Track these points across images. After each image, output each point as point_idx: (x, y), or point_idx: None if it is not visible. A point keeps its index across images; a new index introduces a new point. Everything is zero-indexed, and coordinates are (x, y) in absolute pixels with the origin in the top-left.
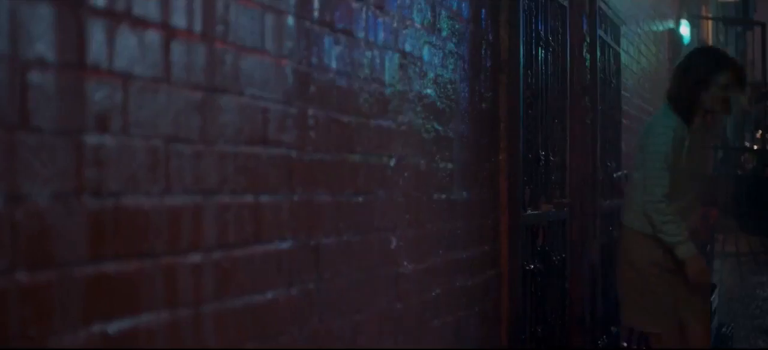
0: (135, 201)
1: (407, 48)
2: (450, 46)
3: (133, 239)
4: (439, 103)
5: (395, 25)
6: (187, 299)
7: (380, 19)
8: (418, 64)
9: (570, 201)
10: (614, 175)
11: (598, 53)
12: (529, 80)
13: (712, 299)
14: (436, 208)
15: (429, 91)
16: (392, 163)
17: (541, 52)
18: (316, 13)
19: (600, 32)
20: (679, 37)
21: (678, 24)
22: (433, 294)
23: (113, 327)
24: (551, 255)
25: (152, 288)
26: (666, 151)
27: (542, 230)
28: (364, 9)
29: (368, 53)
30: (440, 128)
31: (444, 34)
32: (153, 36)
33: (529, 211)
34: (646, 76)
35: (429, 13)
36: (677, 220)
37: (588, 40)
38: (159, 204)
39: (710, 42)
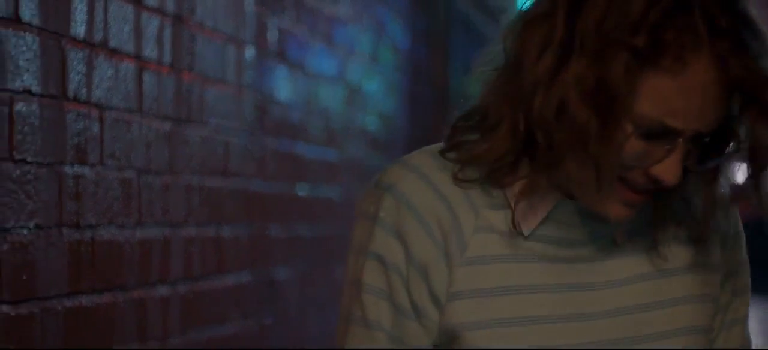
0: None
1: (354, 80)
2: (392, 77)
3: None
4: (381, 133)
5: (342, 56)
6: (156, 332)
7: (330, 51)
8: (363, 95)
9: None
10: None
11: None
12: None
13: None
14: None
15: (372, 121)
16: (339, 195)
17: None
18: (273, 45)
19: None
20: None
21: None
22: None
23: None
24: None
25: (124, 321)
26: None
27: None
28: (314, 41)
29: (318, 85)
30: (383, 158)
31: (386, 65)
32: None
33: None
34: None
35: (372, 45)
36: None
37: None
38: (131, 236)
39: None
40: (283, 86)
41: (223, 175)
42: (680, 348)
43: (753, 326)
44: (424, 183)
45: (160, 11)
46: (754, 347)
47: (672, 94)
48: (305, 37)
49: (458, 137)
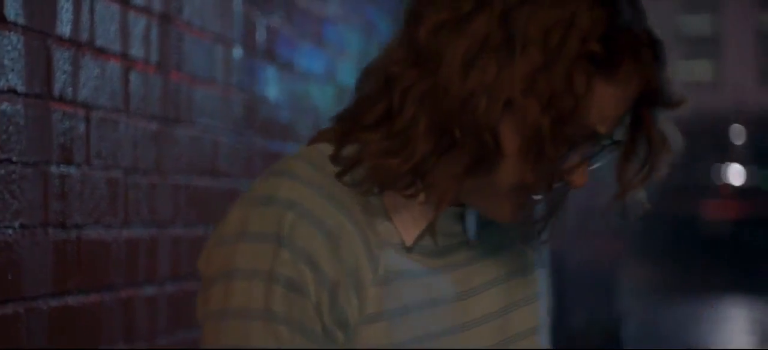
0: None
1: (343, 79)
2: None
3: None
4: None
5: (332, 56)
6: (144, 332)
7: (319, 50)
8: (353, 94)
9: None
10: None
11: None
12: None
13: None
14: None
15: None
16: None
17: None
18: (261, 45)
19: None
20: None
21: None
22: None
23: None
24: None
25: (111, 321)
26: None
27: None
28: (304, 40)
29: (308, 84)
30: None
31: None
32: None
33: None
34: None
35: (362, 45)
36: None
37: None
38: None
39: None
40: (273, 86)
41: (211, 175)
42: (538, 347)
43: (744, 326)
44: (325, 197)
45: (147, 11)
46: (748, 347)
47: (609, 102)
48: (294, 37)
49: (349, 145)
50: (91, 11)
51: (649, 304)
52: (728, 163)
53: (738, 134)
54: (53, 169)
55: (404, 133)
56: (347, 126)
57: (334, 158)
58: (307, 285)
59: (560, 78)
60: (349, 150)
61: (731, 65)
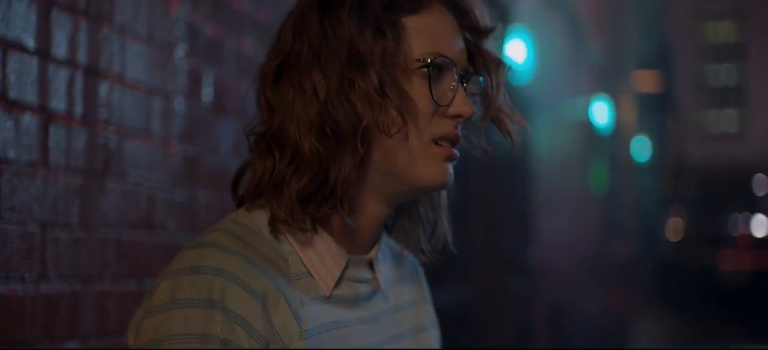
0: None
1: None
2: None
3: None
4: None
5: None
6: None
7: None
8: None
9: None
10: None
11: None
12: None
13: None
14: None
15: None
16: None
17: None
18: (207, 96)
19: None
20: (593, 124)
21: (589, 106)
22: None
23: None
24: None
25: None
26: None
27: None
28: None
29: None
30: None
31: None
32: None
33: None
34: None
35: None
36: None
37: None
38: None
39: (633, 124)
40: (223, 137)
41: (146, 229)
42: None
43: None
44: (249, 264)
45: (70, 63)
46: None
47: (429, 26)
48: (248, 88)
49: (276, 206)
50: (3, 63)
51: None
52: (749, 213)
53: (760, 184)
54: None
55: (298, 161)
56: (258, 194)
57: (272, 221)
58: (241, 344)
59: (371, 35)
60: (279, 210)
61: (757, 115)
